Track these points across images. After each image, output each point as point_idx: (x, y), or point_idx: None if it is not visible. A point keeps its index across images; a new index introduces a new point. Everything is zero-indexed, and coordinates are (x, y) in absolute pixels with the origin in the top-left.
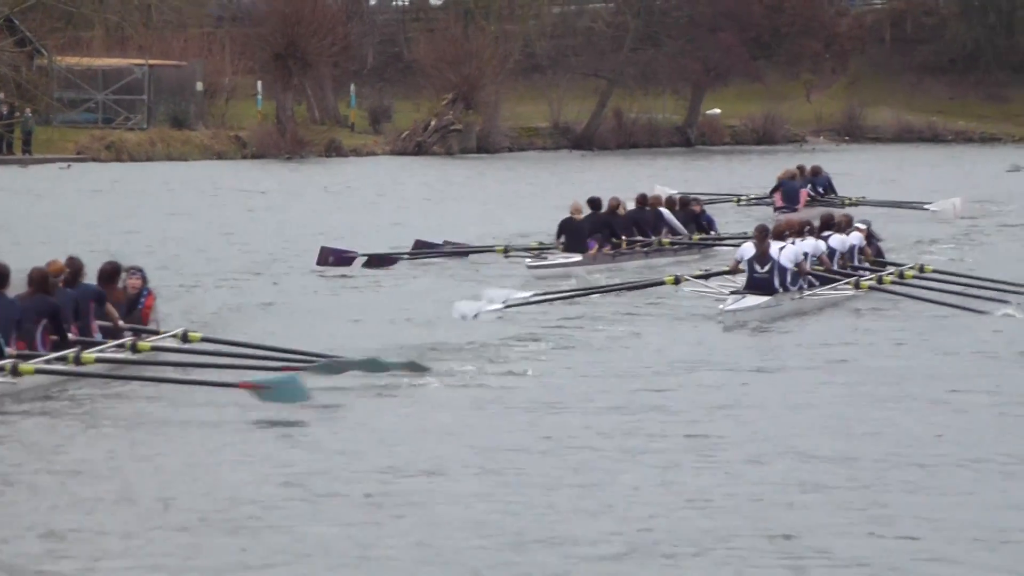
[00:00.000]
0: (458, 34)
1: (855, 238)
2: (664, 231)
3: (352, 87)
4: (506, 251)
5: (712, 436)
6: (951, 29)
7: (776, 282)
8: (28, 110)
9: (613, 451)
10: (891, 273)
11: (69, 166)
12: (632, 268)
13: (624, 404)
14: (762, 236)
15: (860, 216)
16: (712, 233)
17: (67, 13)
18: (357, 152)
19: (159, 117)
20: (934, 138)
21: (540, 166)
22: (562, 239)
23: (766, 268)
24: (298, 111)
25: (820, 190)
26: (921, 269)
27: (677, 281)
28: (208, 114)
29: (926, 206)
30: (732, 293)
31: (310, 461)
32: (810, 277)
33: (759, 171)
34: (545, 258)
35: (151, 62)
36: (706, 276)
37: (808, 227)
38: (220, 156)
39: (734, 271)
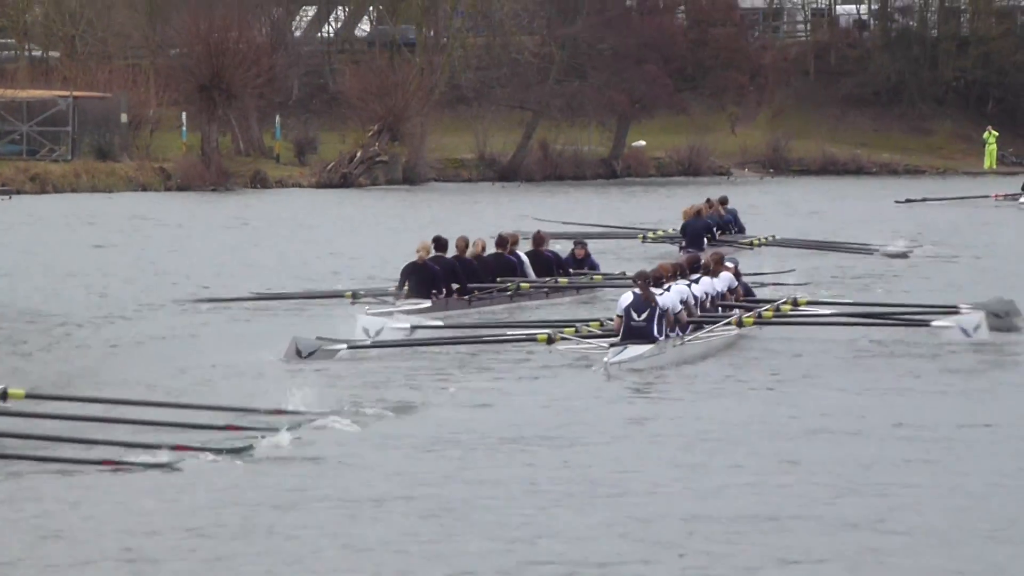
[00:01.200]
0: (383, 65)
1: (725, 279)
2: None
3: (277, 118)
4: (354, 296)
5: (607, 485)
6: (875, 62)
7: (655, 330)
8: None
9: (503, 497)
10: (768, 309)
11: (10, 197)
12: (491, 315)
13: (508, 457)
14: (644, 283)
15: (770, 255)
16: (583, 278)
17: None
18: (282, 184)
19: (84, 149)
20: (858, 170)
21: (464, 197)
22: (406, 286)
23: (643, 316)
24: (223, 142)
25: (727, 225)
26: (795, 303)
27: (550, 340)
28: (133, 146)
29: (875, 247)
30: (612, 345)
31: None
32: (688, 322)
33: (683, 203)
34: (392, 303)
35: (75, 94)
36: (582, 336)
37: (679, 270)
38: (145, 188)
39: (618, 330)
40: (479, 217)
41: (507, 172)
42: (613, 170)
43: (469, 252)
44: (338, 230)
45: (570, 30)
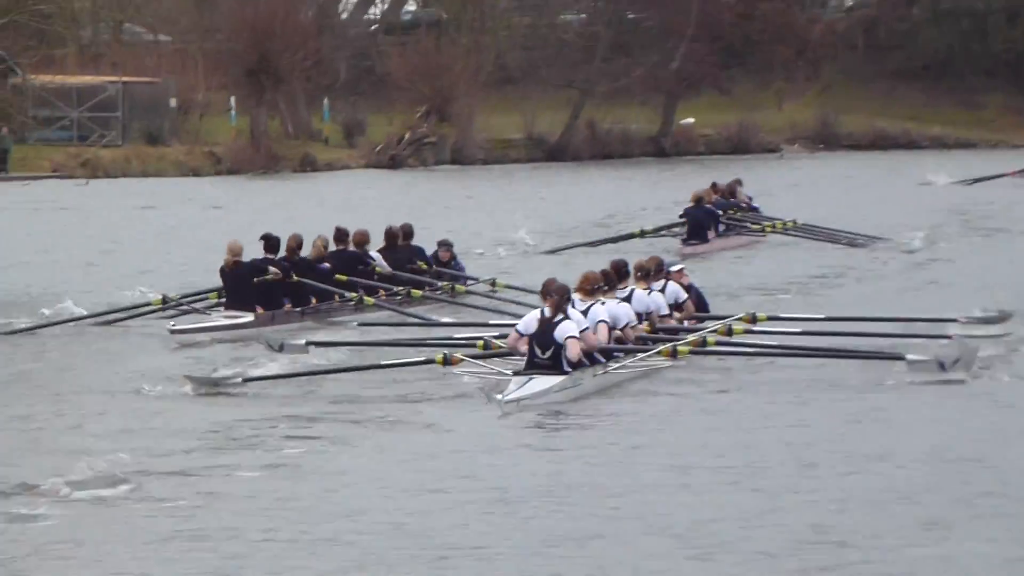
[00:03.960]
0: (430, 47)
1: (670, 291)
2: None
3: (325, 101)
4: (164, 303)
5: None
6: (924, 35)
7: (564, 364)
8: (3, 129)
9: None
10: (715, 331)
11: (87, 183)
12: (328, 331)
13: (392, 519)
14: (554, 300)
15: (782, 245)
16: (443, 283)
17: (40, 31)
18: (331, 166)
19: (133, 134)
20: (909, 144)
21: (511, 178)
22: (223, 295)
23: (548, 354)
24: (272, 126)
25: (740, 210)
26: (753, 319)
27: (447, 361)
28: (182, 130)
29: (877, 239)
30: (516, 374)
31: None
32: (609, 350)
33: (731, 179)
34: (207, 315)
35: (124, 79)
36: (484, 356)
37: (605, 282)
38: (195, 172)
39: (514, 349)
40: (519, 197)
41: (555, 151)
42: (662, 148)
43: (309, 253)
44: (373, 210)
45: (616, 7)
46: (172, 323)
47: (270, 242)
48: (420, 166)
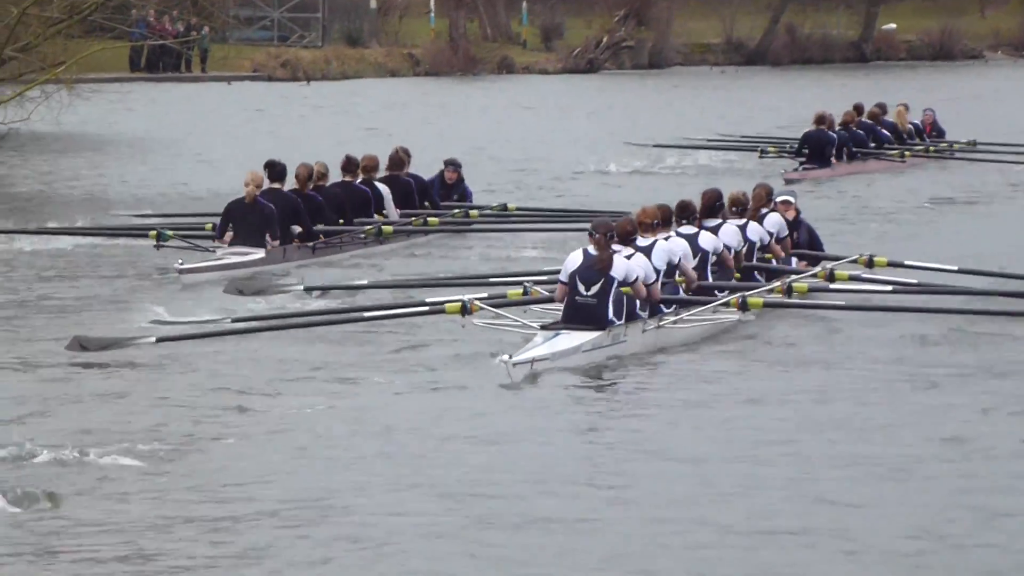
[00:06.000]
0: None
1: (770, 222)
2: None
3: (524, 4)
4: (159, 239)
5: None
6: None
7: (611, 309)
8: (204, 29)
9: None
10: (814, 274)
11: (309, 83)
12: (343, 266)
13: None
14: (601, 239)
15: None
16: (456, 211)
17: None
18: (528, 70)
19: (333, 35)
20: None
21: (707, 82)
22: (229, 230)
23: (594, 290)
24: (470, 28)
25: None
26: (870, 263)
27: (465, 310)
28: (382, 32)
29: None
30: (544, 328)
31: None
32: (676, 295)
33: (935, 87)
34: (212, 252)
35: None
36: (530, 301)
37: (685, 213)
38: (394, 74)
39: (560, 300)
40: (736, 101)
41: (754, 56)
42: (863, 53)
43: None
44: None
45: None
46: (180, 261)
47: (275, 169)
48: (617, 70)
